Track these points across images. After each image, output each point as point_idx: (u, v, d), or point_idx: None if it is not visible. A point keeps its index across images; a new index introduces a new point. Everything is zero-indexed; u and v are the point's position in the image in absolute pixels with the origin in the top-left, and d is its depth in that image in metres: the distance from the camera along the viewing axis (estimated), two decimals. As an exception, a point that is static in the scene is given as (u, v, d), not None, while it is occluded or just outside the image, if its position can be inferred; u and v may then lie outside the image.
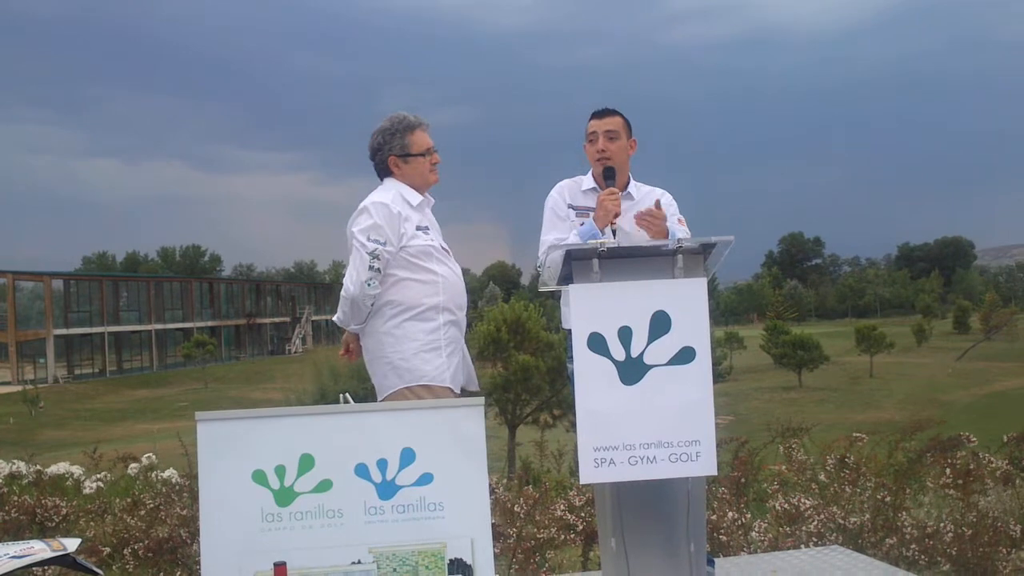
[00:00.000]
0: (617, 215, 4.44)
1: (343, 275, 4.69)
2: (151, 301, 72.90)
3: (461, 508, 3.55)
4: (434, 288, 4.52)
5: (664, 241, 4.01)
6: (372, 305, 4.49)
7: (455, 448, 3.59)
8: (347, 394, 4.00)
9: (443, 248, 4.66)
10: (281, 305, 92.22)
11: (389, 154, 4.68)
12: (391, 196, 4.56)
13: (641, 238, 4.46)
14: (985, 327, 79.45)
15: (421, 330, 4.48)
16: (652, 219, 4.30)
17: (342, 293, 4.53)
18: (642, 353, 3.68)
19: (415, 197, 4.64)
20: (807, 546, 5.59)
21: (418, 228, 4.55)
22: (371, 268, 4.41)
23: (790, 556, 5.26)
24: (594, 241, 3.86)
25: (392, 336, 4.49)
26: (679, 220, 4.67)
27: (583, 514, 6.23)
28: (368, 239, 4.42)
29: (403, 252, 4.49)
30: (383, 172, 4.74)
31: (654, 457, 3.66)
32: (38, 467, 11.24)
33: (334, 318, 4.73)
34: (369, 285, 4.42)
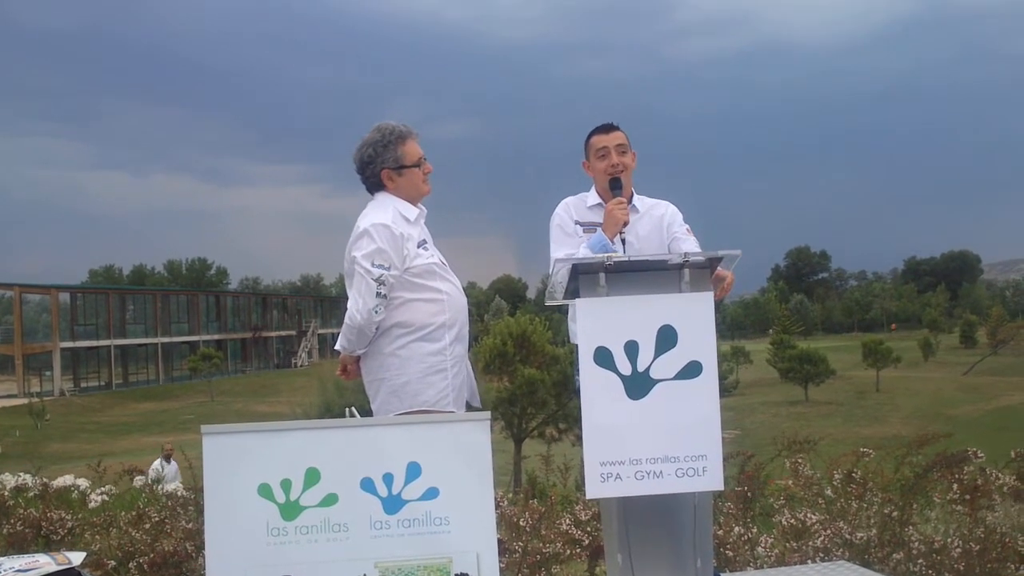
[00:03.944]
0: (626, 224, 4.44)
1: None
2: (157, 314, 73.09)
3: (467, 522, 3.54)
4: (439, 307, 4.44)
5: (669, 255, 4.00)
6: (377, 329, 4.39)
7: (461, 462, 3.58)
8: (353, 408, 4.00)
9: (442, 262, 4.57)
10: (287, 318, 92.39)
11: (382, 167, 4.53)
12: (390, 215, 4.42)
13: (648, 250, 4.46)
14: (992, 341, 79.34)
15: (428, 351, 4.38)
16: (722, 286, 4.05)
17: (346, 321, 4.39)
18: (648, 367, 3.67)
19: (411, 211, 4.53)
20: (814, 561, 5.56)
21: (418, 245, 4.46)
22: (378, 295, 4.30)
23: (796, 571, 5.24)
24: (601, 255, 3.85)
25: (397, 357, 4.39)
26: (687, 230, 4.68)
27: (589, 528, 6.20)
28: (373, 265, 4.30)
29: (406, 273, 4.39)
30: (375, 186, 4.60)
31: (661, 472, 3.65)
32: (44, 480, 11.23)
33: (337, 346, 4.58)
34: (376, 312, 4.31)
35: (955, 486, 6.26)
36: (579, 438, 4.41)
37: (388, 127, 4.58)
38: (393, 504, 3.54)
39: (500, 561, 3.62)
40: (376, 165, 4.55)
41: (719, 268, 3.93)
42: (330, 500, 3.52)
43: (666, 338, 3.68)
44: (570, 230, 4.67)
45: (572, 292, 3.88)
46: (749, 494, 6.66)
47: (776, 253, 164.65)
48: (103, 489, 10.82)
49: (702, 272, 3.86)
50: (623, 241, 4.45)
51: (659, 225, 4.71)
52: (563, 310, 4.46)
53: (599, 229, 4.50)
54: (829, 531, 5.83)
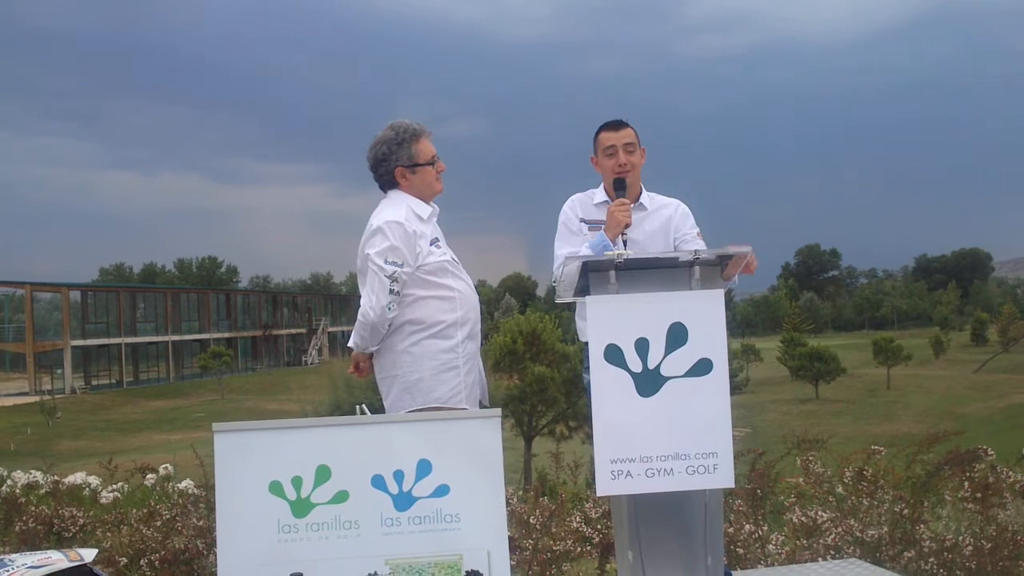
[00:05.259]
0: (627, 225, 4.42)
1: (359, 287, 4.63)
2: (168, 312, 73.18)
3: (477, 520, 3.55)
4: (452, 304, 4.44)
5: (679, 252, 3.99)
6: (389, 326, 4.40)
7: (471, 460, 3.59)
8: (364, 405, 4.00)
9: (454, 260, 4.58)
10: (297, 316, 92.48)
11: (396, 165, 4.54)
12: (403, 213, 4.43)
13: (653, 248, 4.45)
14: (1003, 339, 79.01)
15: (440, 349, 4.39)
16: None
17: (359, 318, 4.40)
18: (659, 365, 3.66)
19: (424, 209, 4.54)
20: (824, 559, 5.55)
21: (431, 243, 4.47)
22: (391, 292, 4.30)
23: (807, 569, 5.23)
24: (611, 252, 3.85)
25: (410, 355, 4.39)
26: (697, 234, 4.67)
27: (599, 526, 6.20)
28: (386, 262, 4.31)
29: (419, 271, 4.40)
30: (388, 184, 4.61)
31: (671, 469, 3.64)
32: (55, 477, 11.27)
33: (350, 344, 4.59)
34: (389, 309, 4.32)
35: (966, 484, 6.25)
36: (589, 436, 4.40)
37: (402, 125, 4.58)
38: (404, 501, 3.54)
39: (510, 559, 3.62)
40: (390, 163, 4.56)
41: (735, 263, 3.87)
42: (341, 497, 3.53)
43: (677, 335, 3.67)
44: (575, 228, 4.67)
45: (582, 289, 3.87)
46: (760, 492, 6.66)
47: (786, 251, 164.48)
48: (114, 486, 10.86)
49: (712, 269, 3.85)
50: (624, 243, 4.42)
51: (665, 225, 4.69)
52: (572, 307, 4.45)
53: (601, 230, 4.49)
54: (840, 529, 5.82)
